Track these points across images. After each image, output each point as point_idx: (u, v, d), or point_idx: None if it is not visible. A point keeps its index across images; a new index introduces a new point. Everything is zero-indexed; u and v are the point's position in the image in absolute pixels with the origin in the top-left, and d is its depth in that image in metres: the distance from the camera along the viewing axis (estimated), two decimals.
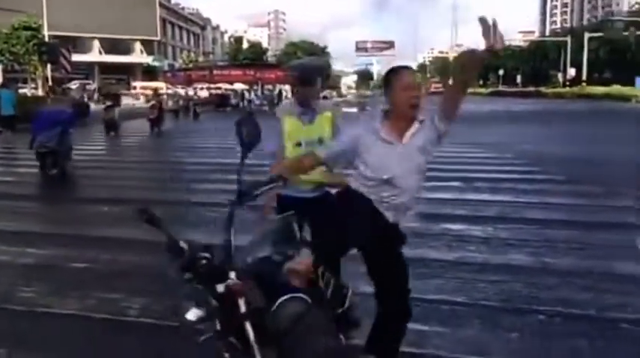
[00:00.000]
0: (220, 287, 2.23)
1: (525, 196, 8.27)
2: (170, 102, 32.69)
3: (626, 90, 49.95)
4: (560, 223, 6.71)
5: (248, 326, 2.23)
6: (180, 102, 33.15)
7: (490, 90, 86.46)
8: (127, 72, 66.76)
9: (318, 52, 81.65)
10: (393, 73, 2.96)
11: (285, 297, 2.31)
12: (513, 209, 7.46)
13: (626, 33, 61.25)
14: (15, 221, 7.42)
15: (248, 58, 73.32)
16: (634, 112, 32.47)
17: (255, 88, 49.72)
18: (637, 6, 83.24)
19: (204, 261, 2.20)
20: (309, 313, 2.31)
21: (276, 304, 2.29)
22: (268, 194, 3.62)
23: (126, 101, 41.00)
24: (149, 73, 66.25)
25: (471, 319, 4.04)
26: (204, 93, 46.22)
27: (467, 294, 4.53)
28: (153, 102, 22.17)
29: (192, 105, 31.89)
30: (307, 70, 3.64)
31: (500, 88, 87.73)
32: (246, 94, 46.79)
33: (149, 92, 32.92)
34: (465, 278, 4.92)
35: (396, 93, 2.90)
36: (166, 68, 66.09)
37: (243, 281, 2.25)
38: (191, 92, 39.18)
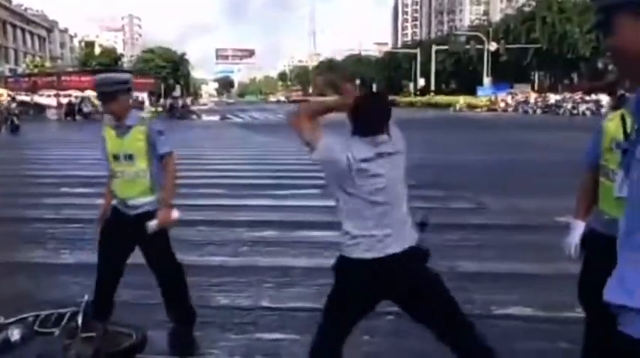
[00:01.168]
0: None
1: None
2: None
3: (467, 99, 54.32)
4: None
5: None
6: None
7: None
8: None
9: (176, 58, 79.86)
10: None
11: None
12: None
13: (467, 46, 66.58)
14: None
15: (101, 63, 69.83)
16: (477, 119, 35.28)
17: None
18: (477, 21, 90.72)
19: None
20: None
21: None
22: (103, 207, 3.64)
23: None
24: None
25: None
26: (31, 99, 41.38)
27: (324, 300, 4.59)
28: None
29: (10, 115, 27.49)
30: (106, 84, 3.54)
31: None
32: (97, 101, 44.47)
33: None
34: (323, 285, 4.98)
35: None
36: (8, 73, 61.08)
37: None
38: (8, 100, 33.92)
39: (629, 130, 2.22)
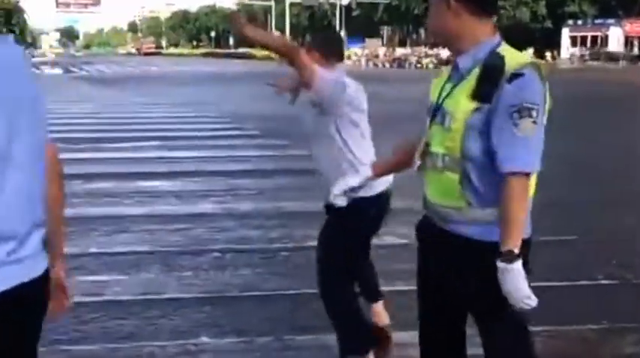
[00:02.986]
0: None
1: (217, 151, 8.88)
2: None
3: None
4: (246, 173, 7.42)
5: None
6: None
7: (203, 51, 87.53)
8: None
9: (10, 6, 72.71)
10: None
11: None
12: (206, 163, 7.97)
13: (321, 0, 67.37)
14: None
15: None
16: None
17: None
18: None
19: None
20: None
21: None
22: None
23: None
24: None
25: (151, 265, 4.35)
26: None
27: (151, 244, 4.83)
28: None
29: None
30: None
31: (214, 49, 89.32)
32: None
33: None
34: (151, 230, 5.22)
35: None
36: None
37: None
38: None
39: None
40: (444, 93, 1.83)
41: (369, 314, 3.02)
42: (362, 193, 2.36)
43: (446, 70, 1.92)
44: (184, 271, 4.25)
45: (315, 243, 4.81)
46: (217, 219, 5.55)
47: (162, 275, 4.18)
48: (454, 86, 1.79)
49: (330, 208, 2.68)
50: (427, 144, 1.86)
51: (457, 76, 1.81)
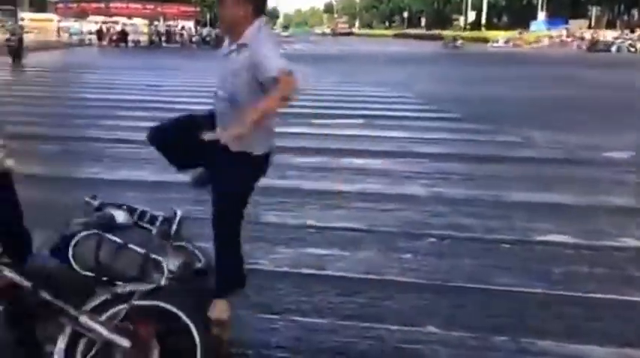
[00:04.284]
0: None
1: (422, 132, 8.70)
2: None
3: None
4: (453, 157, 7.16)
5: None
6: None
7: (395, 32, 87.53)
8: (13, 1, 61.40)
9: None
10: None
11: None
12: (411, 144, 7.84)
13: None
14: None
15: None
16: (524, 55, 34.15)
17: (156, 23, 47.61)
18: None
19: None
20: None
21: None
22: None
23: None
24: (38, 3, 61.32)
25: (369, 243, 4.32)
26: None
27: (366, 222, 4.81)
28: None
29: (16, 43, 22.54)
30: None
31: (405, 30, 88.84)
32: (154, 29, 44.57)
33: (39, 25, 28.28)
34: (365, 208, 5.21)
35: None
36: None
37: None
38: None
39: None
40: None
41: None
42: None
43: None
44: (402, 254, 4.15)
45: (540, 237, 4.49)
46: (428, 202, 5.39)
47: (380, 256, 4.12)
48: None
49: None
50: None
51: None
